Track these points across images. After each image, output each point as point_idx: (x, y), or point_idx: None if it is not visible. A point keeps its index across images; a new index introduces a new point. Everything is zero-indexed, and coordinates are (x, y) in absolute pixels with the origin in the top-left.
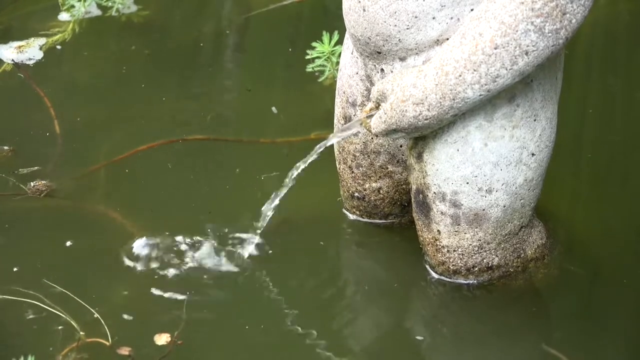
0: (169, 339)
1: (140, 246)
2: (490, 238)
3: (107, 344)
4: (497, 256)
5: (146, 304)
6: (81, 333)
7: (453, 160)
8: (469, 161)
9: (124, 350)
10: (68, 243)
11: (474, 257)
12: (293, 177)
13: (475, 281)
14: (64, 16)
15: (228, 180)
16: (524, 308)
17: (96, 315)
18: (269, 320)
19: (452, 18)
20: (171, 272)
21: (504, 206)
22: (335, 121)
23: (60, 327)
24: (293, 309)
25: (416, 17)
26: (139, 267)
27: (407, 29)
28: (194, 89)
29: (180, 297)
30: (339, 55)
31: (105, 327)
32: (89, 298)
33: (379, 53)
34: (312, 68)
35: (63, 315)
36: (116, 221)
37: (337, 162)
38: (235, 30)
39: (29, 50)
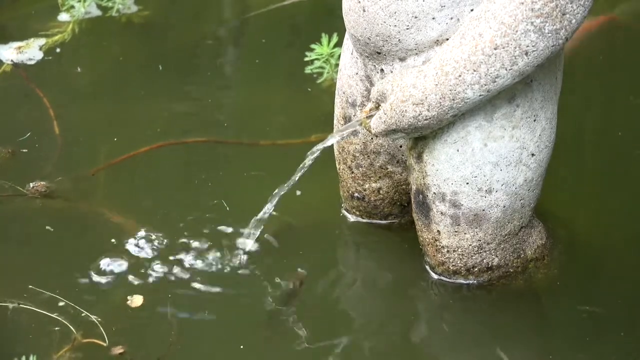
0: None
1: (138, 248)
2: (490, 238)
3: (104, 344)
4: (497, 256)
5: (144, 304)
6: (77, 334)
7: (453, 161)
8: (468, 161)
9: (120, 351)
10: (68, 244)
11: (473, 257)
12: (295, 178)
13: (475, 281)
14: (63, 17)
15: (228, 182)
16: (523, 308)
17: (93, 316)
18: (268, 320)
19: (451, 18)
20: (170, 273)
21: (504, 206)
22: (335, 121)
23: (56, 329)
24: (293, 308)
25: (416, 17)
26: (138, 268)
27: (407, 29)
28: (193, 90)
29: (178, 298)
30: (338, 57)
31: (102, 328)
32: (86, 300)
33: (379, 53)
34: (311, 70)
35: (59, 318)
36: (115, 222)
37: (336, 163)
38: (235, 31)
39: (28, 51)
